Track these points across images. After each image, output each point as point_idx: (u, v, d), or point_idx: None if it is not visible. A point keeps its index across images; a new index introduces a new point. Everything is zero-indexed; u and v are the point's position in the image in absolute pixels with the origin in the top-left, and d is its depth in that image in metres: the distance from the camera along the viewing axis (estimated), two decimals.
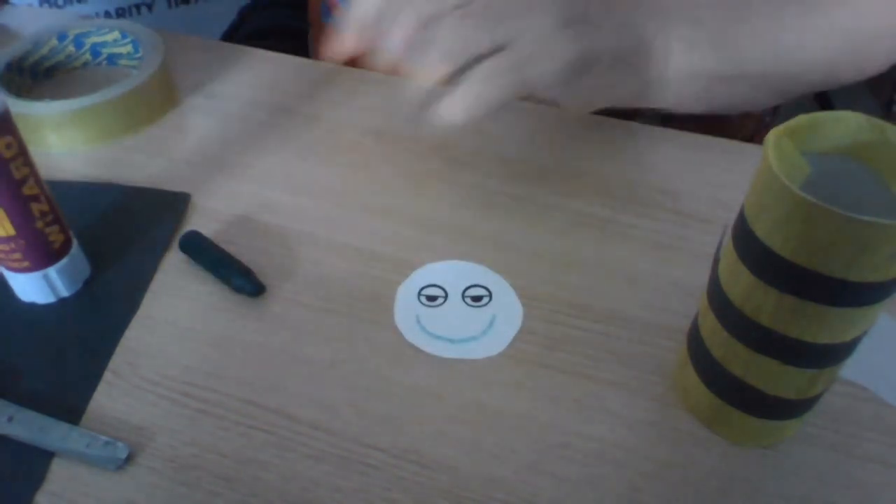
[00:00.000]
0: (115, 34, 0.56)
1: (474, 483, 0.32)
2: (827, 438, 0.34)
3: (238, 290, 0.40)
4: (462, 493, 0.32)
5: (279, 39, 0.68)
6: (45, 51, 0.55)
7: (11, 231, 0.35)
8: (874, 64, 0.48)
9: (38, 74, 0.56)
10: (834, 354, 0.29)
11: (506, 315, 0.39)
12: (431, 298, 0.40)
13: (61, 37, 0.56)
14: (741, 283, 0.29)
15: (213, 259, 0.41)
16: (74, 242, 0.39)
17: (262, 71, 0.58)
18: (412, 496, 0.32)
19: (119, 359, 0.37)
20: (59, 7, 0.82)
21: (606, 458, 0.33)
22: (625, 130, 0.52)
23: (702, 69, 0.44)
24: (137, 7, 0.88)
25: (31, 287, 0.38)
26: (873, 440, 0.34)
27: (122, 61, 0.57)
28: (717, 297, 0.31)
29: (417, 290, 0.40)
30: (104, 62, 0.58)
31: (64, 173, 0.48)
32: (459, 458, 0.33)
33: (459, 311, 0.39)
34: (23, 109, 0.48)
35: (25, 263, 0.37)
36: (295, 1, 0.69)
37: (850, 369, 0.32)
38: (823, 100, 1.09)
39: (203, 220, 0.44)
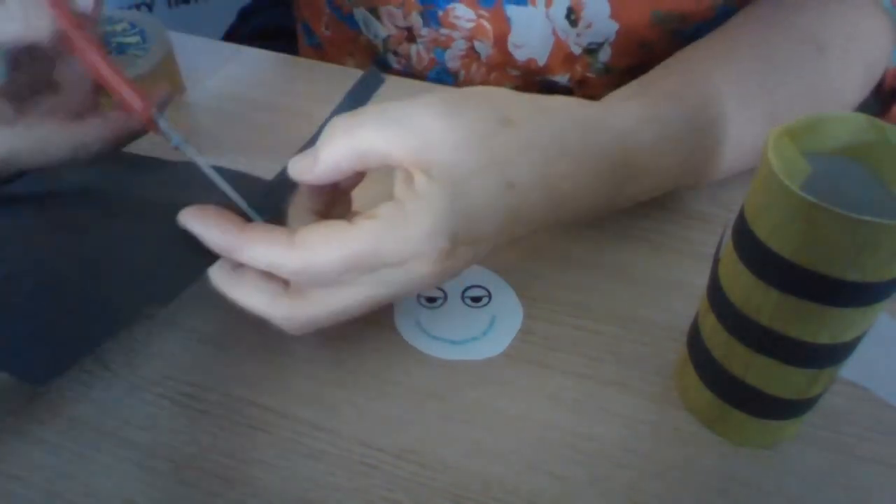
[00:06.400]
0: (124, 24, 0.57)
1: (474, 483, 0.32)
2: (827, 438, 0.34)
3: None
4: (462, 493, 0.32)
5: (279, 40, 0.68)
6: None
7: None
8: None
9: None
10: (834, 354, 0.29)
11: (505, 315, 0.39)
12: (431, 300, 0.40)
13: None
14: (741, 283, 0.29)
15: None
16: None
17: (262, 71, 0.58)
18: (412, 496, 0.32)
19: (119, 359, 0.37)
20: None
21: (606, 458, 0.33)
22: None
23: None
24: (138, 7, 0.88)
25: None
26: (873, 440, 0.34)
27: (131, 51, 0.58)
28: (717, 297, 0.31)
29: None
30: (113, 51, 0.58)
31: None
32: (459, 458, 0.33)
33: (459, 312, 0.39)
34: None
35: None
36: (295, 2, 0.69)
37: (850, 369, 0.32)
38: None
39: None
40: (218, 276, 0.34)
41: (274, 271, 0.32)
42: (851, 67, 0.45)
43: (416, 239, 0.30)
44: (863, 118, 0.28)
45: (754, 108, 0.42)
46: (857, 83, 0.45)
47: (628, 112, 0.38)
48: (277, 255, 0.31)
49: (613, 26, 0.52)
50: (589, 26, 0.52)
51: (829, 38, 0.43)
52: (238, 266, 0.33)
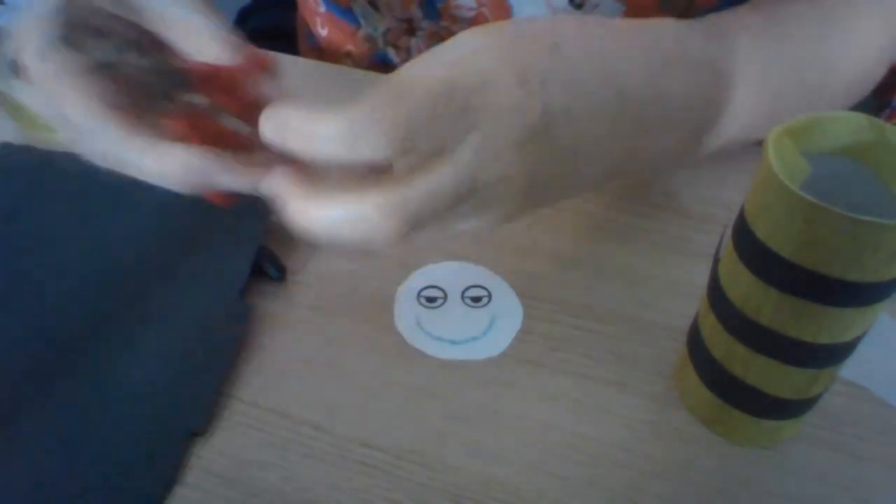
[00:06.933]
0: None
1: (474, 483, 0.32)
2: (827, 438, 0.34)
3: (262, 271, 0.40)
4: (462, 493, 0.32)
5: (279, 40, 0.68)
6: None
7: None
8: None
9: None
10: (834, 354, 0.29)
11: (505, 315, 0.39)
12: (431, 300, 0.40)
13: None
14: (741, 283, 0.29)
15: None
16: None
17: None
18: (412, 496, 0.32)
19: None
20: None
21: (606, 458, 0.33)
22: None
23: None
24: None
25: None
26: (873, 440, 0.34)
27: None
28: (717, 297, 0.31)
29: (417, 291, 0.40)
30: None
31: None
32: (459, 458, 0.33)
33: (459, 312, 0.39)
34: (19, 94, 0.48)
35: None
36: (296, 2, 0.69)
37: (850, 369, 0.32)
38: None
39: None
40: (293, 205, 0.27)
41: (365, 135, 0.26)
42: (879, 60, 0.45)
43: (489, 57, 0.28)
44: (863, 118, 0.28)
45: (769, 85, 0.41)
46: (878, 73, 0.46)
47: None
48: (372, 104, 0.26)
49: (620, 9, 0.51)
50: (596, 6, 0.52)
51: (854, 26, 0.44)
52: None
